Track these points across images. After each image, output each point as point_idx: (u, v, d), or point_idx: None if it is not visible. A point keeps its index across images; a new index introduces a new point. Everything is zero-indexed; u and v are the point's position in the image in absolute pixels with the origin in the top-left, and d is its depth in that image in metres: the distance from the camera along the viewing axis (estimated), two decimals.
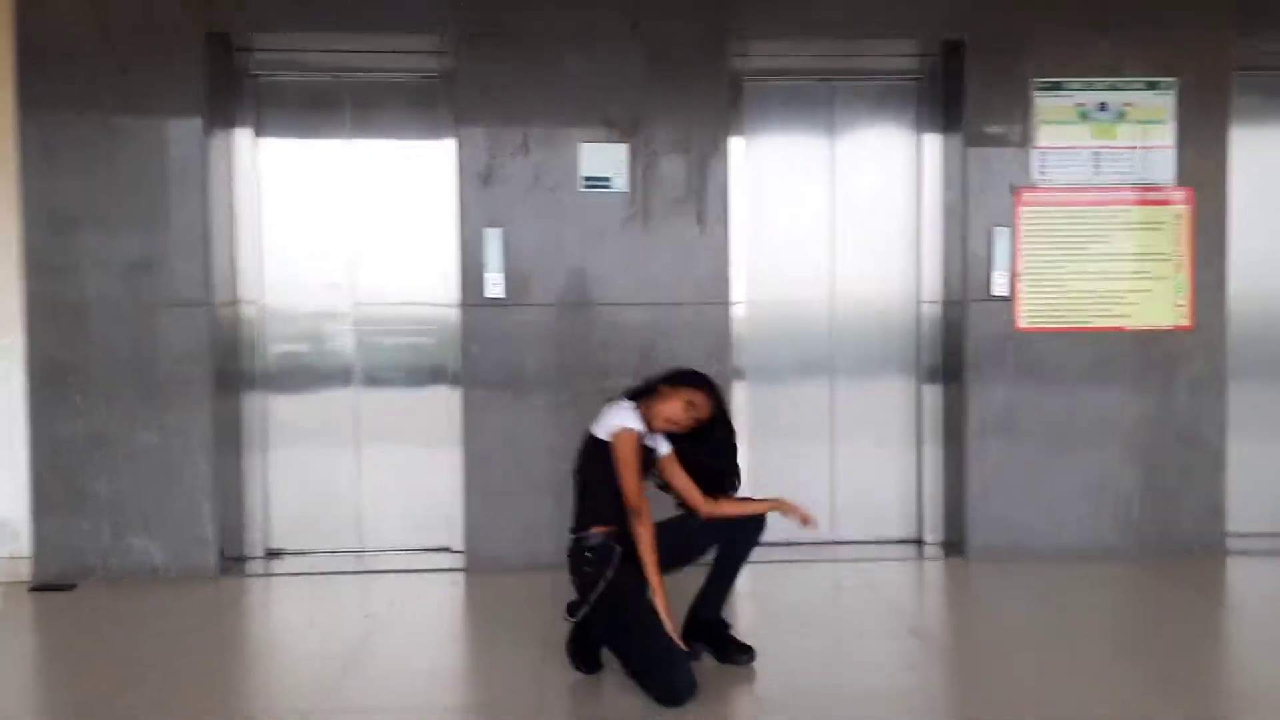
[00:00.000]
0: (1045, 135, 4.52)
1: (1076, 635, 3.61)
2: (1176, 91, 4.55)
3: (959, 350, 4.62)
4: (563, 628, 3.39)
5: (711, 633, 3.36)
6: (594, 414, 3.34)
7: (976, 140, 4.53)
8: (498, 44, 4.43)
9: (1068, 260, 4.55)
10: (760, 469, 4.50)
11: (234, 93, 4.65)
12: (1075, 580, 4.26)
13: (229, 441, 4.60)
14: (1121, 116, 4.53)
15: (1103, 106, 4.52)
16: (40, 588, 4.31)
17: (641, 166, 4.48)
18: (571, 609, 3.28)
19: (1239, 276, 4.64)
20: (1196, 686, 3.14)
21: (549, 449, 4.35)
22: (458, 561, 4.60)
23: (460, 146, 4.46)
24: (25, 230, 4.35)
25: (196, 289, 4.40)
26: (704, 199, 4.50)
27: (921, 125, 4.82)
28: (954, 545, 4.74)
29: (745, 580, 3.66)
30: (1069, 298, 4.56)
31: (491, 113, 4.45)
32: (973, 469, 4.60)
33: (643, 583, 3.13)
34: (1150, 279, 4.57)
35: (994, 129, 4.53)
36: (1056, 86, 4.51)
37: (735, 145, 4.63)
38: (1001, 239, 4.51)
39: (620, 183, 4.46)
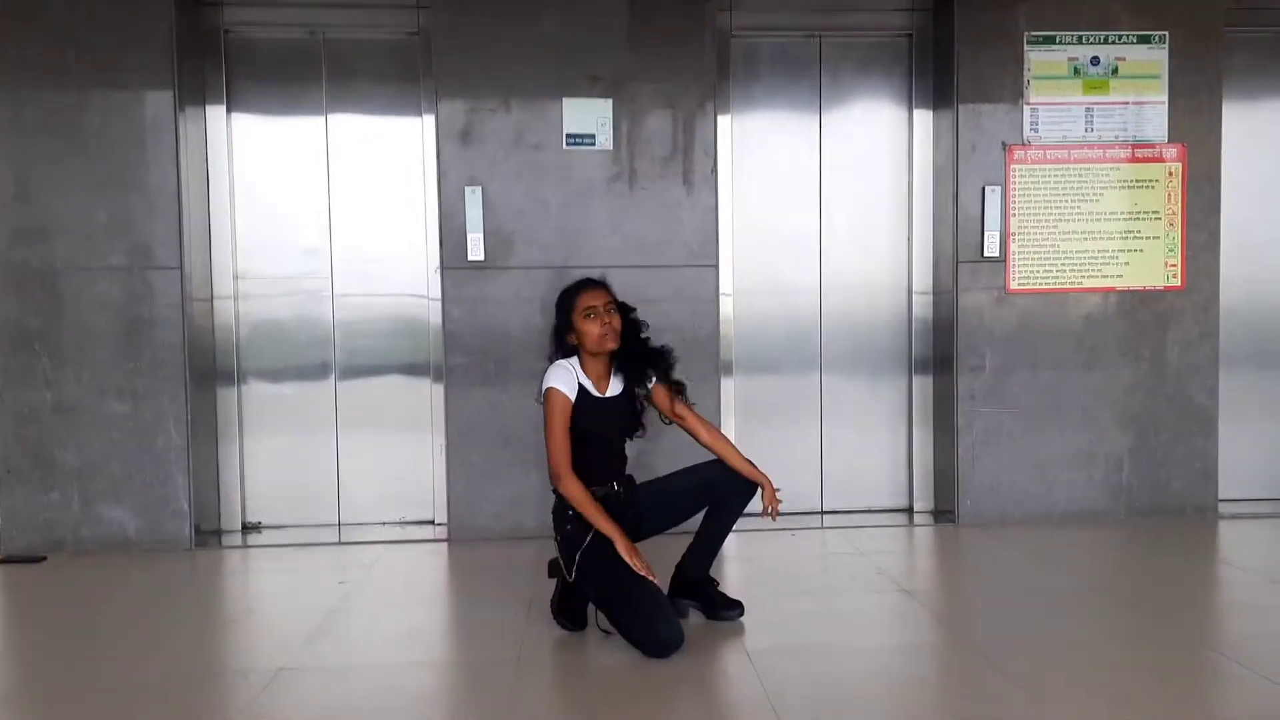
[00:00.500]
0: (1037, 91, 4.44)
1: (1064, 590, 3.57)
2: (1169, 46, 4.49)
3: (949, 316, 4.55)
4: (546, 588, 3.32)
5: (698, 590, 3.28)
6: None
7: (968, 96, 4.45)
8: None
9: (1059, 220, 4.49)
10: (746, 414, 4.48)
11: (205, 50, 4.51)
12: (1064, 542, 4.22)
13: (204, 410, 4.49)
14: (1114, 71, 4.46)
15: (1095, 61, 4.45)
16: (8, 560, 4.18)
17: (626, 124, 4.38)
18: (552, 568, 3.21)
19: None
20: (1185, 634, 3.08)
21: (533, 414, 4.23)
22: (440, 533, 4.52)
23: (438, 104, 4.35)
24: None
25: (169, 253, 4.28)
26: (690, 157, 4.41)
27: (912, 81, 4.73)
28: (944, 513, 4.68)
29: (731, 546, 3.60)
30: (1060, 258, 4.49)
31: (471, 69, 4.34)
32: (962, 434, 4.53)
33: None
34: (1142, 239, 4.51)
35: (985, 85, 4.45)
36: (1049, 40, 4.43)
37: (722, 100, 4.53)
38: (993, 198, 4.44)
39: (604, 140, 4.36)
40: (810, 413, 4.84)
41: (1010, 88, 4.46)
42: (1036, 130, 4.46)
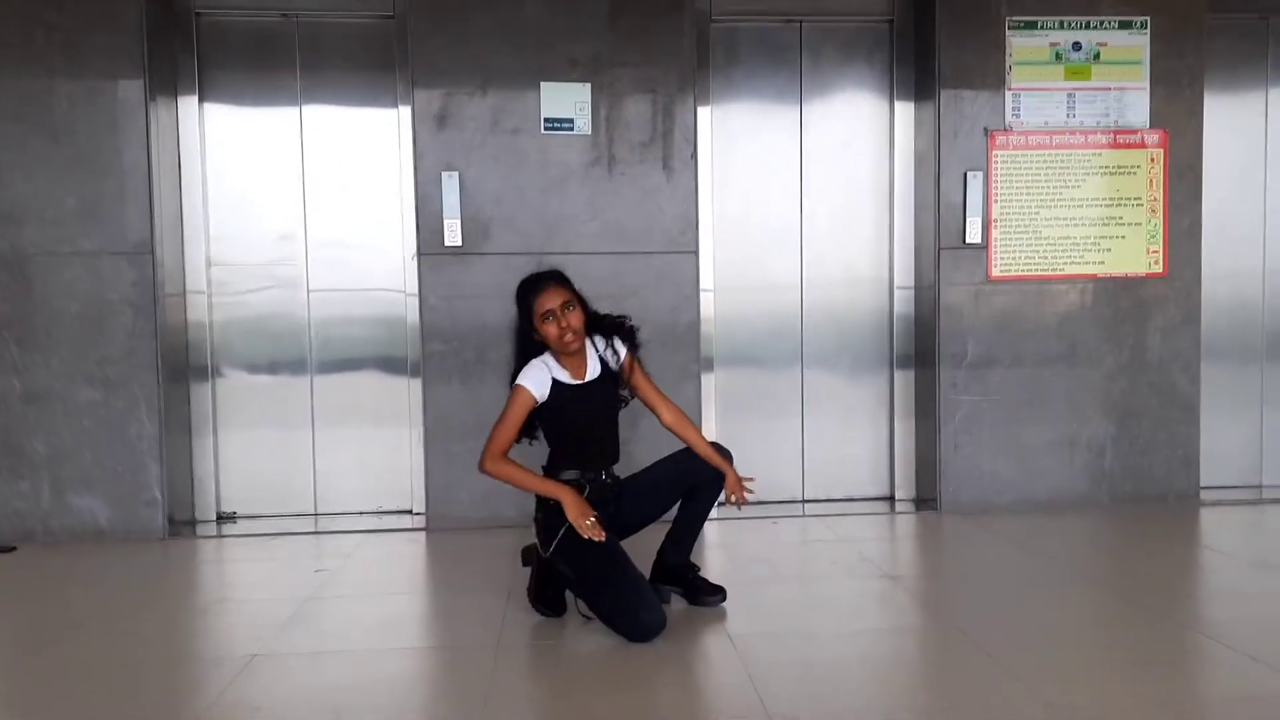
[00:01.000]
0: (1019, 77, 4.43)
1: (1046, 574, 3.56)
2: (1150, 31, 4.48)
3: (932, 304, 4.53)
4: (525, 575, 3.27)
5: (680, 576, 3.25)
6: None
7: (950, 82, 4.42)
8: None
9: (1041, 206, 4.47)
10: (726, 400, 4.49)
11: (177, 31, 4.43)
12: (1045, 528, 4.20)
13: (177, 397, 4.41)
14: (1096, 57, 4.45)
15: (1076, 46, 4.43)
16: None
17: (605, 108, 4.33)
18: (526, 556, 3.17)
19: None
20: (1168, 616, 3.06)
21: None
22: (419, 522, 4.46)
23: (414, 87, 4.29)
24: None
25: (140, 238, 4.21)
26: (670, 142, 4.37)
27: (893, 67, 4.70)
28: (926, 501, 4.66)
29: (713, 534, 3.57)
30: (1042, 244, 4.47)
31: (448, 52, 4.28)
32: (944, 422, 4.51)
33: (606, 524, 3.00)
34: (1124, 225, 4.50)
35: (967, 70, 4.43)
36: (1031, 25, 4.42)
37: (701, 87, 4.49)
38: (975, 184, 4.42)
39: (583, 124, 4.31)
40: (791, 392, 4.82)
41: (992, 73, 4.44)
42: (1019, 116, 4.44)
